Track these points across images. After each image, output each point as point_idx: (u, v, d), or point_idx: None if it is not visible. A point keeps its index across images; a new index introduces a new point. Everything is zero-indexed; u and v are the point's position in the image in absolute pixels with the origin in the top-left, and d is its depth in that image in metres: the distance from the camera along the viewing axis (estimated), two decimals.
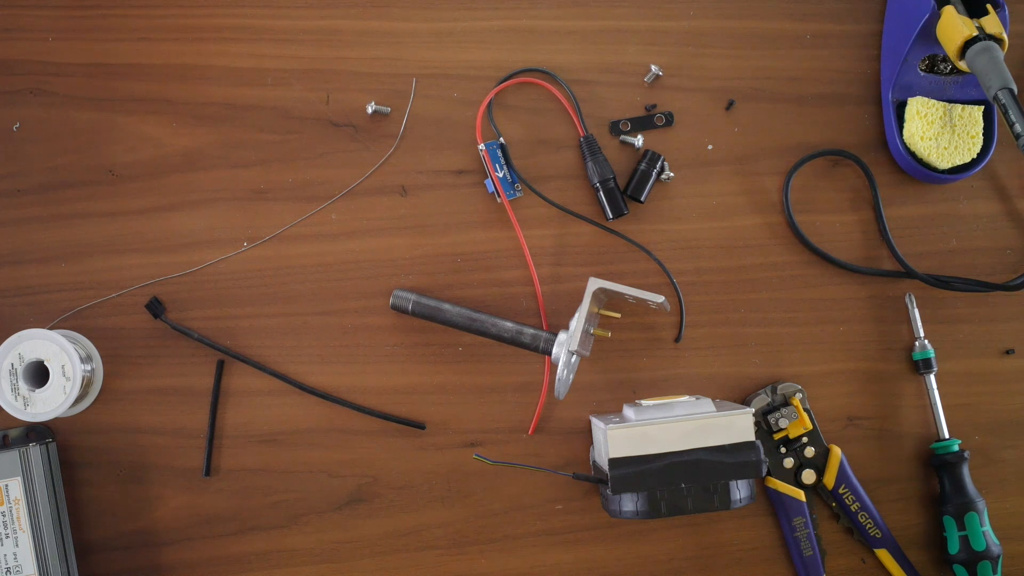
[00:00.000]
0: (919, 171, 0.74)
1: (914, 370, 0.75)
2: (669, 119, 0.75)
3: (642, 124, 0.75)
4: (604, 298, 0.72)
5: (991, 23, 0.68)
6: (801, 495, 0.72)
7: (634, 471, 0.64)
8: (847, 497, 0.72)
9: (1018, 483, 0.75)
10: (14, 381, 0.66)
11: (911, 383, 0.75)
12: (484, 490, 0.72)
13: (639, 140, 0.74)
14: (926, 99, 0.74)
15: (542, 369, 0.73)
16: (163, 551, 0.70)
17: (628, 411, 0.67)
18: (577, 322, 0.68)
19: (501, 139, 0.74)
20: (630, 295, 0.68)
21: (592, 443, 0.72)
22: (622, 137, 0.75)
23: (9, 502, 0.67)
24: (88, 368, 0.69)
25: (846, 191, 0.76)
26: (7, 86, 0.72)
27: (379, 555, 0.71)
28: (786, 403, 0.73)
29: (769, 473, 0.73)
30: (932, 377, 0.74)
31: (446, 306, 0.71)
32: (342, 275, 0.73)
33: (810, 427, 0.72)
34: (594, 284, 0.68)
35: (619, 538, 0.73)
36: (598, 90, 0.75)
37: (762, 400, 0.73)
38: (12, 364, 0.66)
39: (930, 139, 0.73)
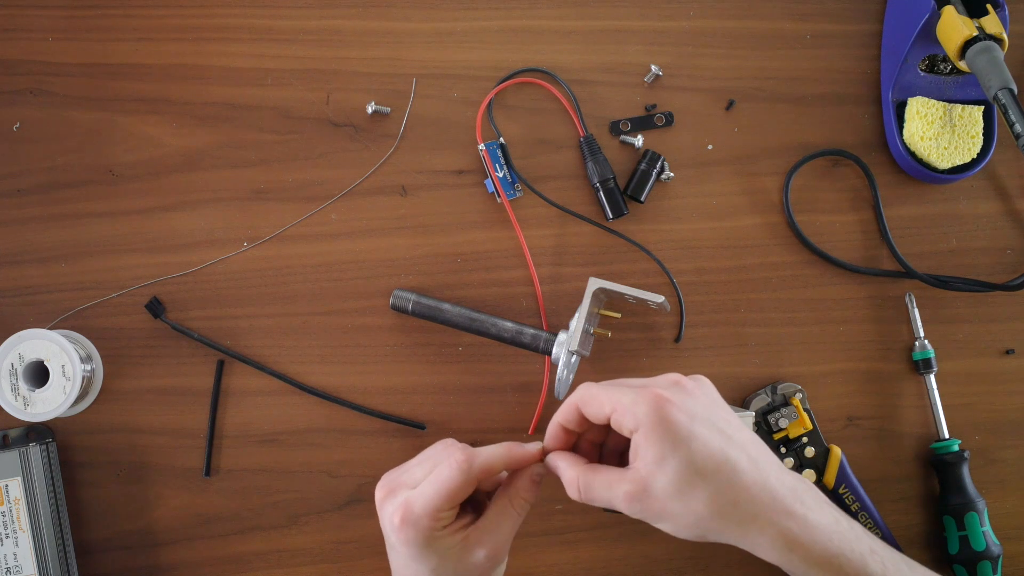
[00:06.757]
0: (919, 171, 0.74)
1: (914, 370, 0.75)
2: (669, 119, 0.75)
3: (642, 124, 0.75)
4: (604, 298, 0.72)
5: (991, 23, 0.68)
6: None
7: None
8: (847, 497, 0.72)
9: (1018, 483, 0.75)
10: (14, 381, 0.66)
11: (911, 383, 0.75)
12: None
13: (639, 140, 0.74)
14: (926, 99, 0.74)
15: (542, 369, 0.73)
16: (163, 551, 0.70)
17: None
18: (577, 322, 0.68)
19: (501, 139, 0.74)
20: (630, 295, 0.68)
21: None
22: (622, 137, 0.75)
23: (9, 502, 0.67)
24: (88, 368, 0.69)
25: (846, 191, 0.76)
26: (7, 86, 0.72)
27: (379, 555, 0.71)
28: (786, 403, 0.73)
29: None
30: (932, 377, 0.74)
31: (446, 306, 0.71)
32: (342, 275, 0.73)
33: (810, 427, 0.72)
34: (594, 284, 0.68)
35: (619, 538, 0.73)
36: (598, 90, 0.75)
37: (762, 400, 0.73)
38: (12, 364, 0.66)
39: (930, 139, 0.73)
